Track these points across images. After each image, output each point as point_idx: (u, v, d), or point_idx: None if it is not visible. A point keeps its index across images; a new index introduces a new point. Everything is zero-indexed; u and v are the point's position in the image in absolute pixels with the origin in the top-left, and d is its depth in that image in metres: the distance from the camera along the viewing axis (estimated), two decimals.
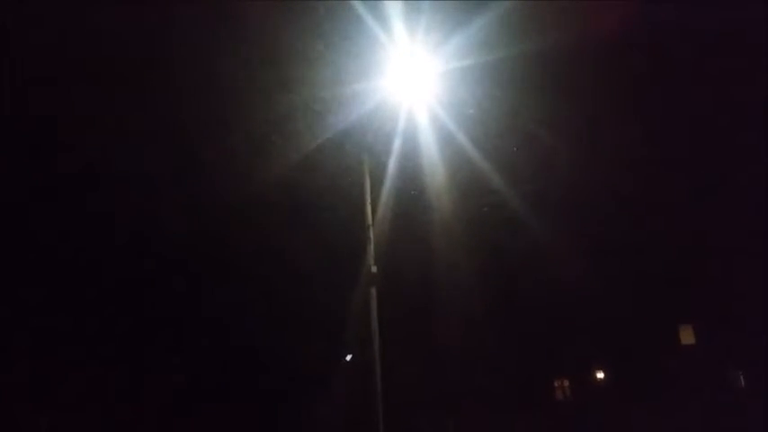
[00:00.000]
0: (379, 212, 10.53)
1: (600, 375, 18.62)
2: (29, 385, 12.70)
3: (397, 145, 10.78)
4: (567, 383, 19.17)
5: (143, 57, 11.01)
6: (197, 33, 10.58)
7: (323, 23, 10.03)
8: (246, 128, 12.31)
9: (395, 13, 8.94)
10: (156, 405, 13.97)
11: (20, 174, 12.38)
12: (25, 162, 12.29)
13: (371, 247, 9.96)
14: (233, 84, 11.62)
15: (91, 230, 13.56)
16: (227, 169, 13.27)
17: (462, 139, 11.09)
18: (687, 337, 16.97)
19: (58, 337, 13.37)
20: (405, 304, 13.33)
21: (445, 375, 15.57)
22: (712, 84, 11.06)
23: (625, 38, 9.45)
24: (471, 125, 10.86)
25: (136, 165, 13.16)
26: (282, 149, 12.12)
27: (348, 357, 16.18)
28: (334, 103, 10.79)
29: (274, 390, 15.54)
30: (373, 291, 9.72)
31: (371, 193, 10.31)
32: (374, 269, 9.81)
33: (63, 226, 13.32)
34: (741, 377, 15.54)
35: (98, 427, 13.02)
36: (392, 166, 11.07)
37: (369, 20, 9.27)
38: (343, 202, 12.26)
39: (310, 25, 10.20)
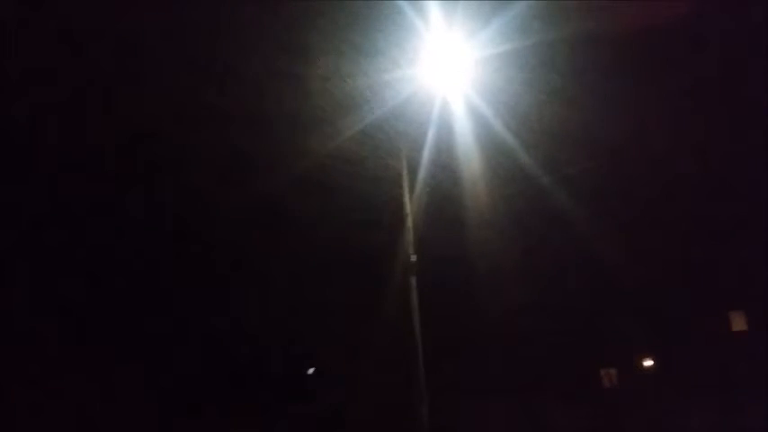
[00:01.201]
0: (415, 202, 10.74)
1: (647, 363, 18.60)
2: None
3: (432, 133, 10.96)
4: (613, 372, 19.15)
5: (181, 47, 11.38)
6: (233, 24, 10.91)
7: (358, 13, 10.27)
8: (281, 118, 12.64)
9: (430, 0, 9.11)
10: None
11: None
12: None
13: (410, 236, 10.23)
14: (268, 74, 11.95)
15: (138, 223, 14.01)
16: (262, 160, 13.61)
17: (498, 126, 11.22)
18: (739, 323, 16.83)
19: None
20: (443, 294, 13.52)
21: (487, 365, 15.75)
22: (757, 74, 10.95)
23: (666, 22, 9.45)
24: (507, 112, 10.99)
25: (176, 154, 13.58)
26: (318, 139, 12.40)
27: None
28: (370, 92, 11.03)
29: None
30: (413, 280, 10.00)
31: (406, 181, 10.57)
32: (413, 258, 10.07)
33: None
34: None
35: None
36: (428, 154, 11.26)
37: (404, 7, 9.48)
38: (379, 192, 12.52)
39: (345, 15, 10.46)
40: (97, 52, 11.09)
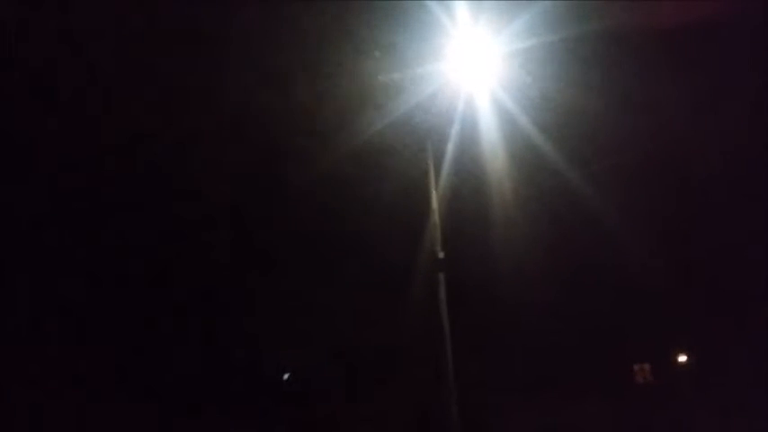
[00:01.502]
0: (441, 197, 10.75)
1: (682, 359, 18.37)
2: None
3: (458, 128, 10.96)
4: (647, 367, 18.96)
5: (215, 41, 11.54)
6: (264, 21, 11.04)
7: (384, 9, 10.32)
8: (306, 114, 12.74)
9: None
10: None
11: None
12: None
13: (438, 233, 10.25)
14: (294, 70, 12.07)
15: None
16: (290, 156, 13.74)
17: (525, 121, 11.18)
18: None
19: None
20: (470, 290, 13.51)
21: (517, 362, 15.71)
22: None
23: (697, 17, 9.30)
24: (534, 107, 10.94)
25: (209, 152, 13.76)
26: (344, 135, 12.48)
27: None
28: (396, 87, 11.07)
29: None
30: (441, 276, 10.03)
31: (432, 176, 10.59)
32: (441, 255, 10.10)
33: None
34: None
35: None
36: (454, 149, 11.26)
37: (430, 3, 9.49)
38: (405, 186, 12.56)
39: (372, 11, 10.52)
40: (113, 49, 11.29)
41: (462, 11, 9.23)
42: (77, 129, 12.56)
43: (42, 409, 12.56)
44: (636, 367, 18.92)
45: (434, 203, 10.41)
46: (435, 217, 10.33)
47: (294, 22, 11.17)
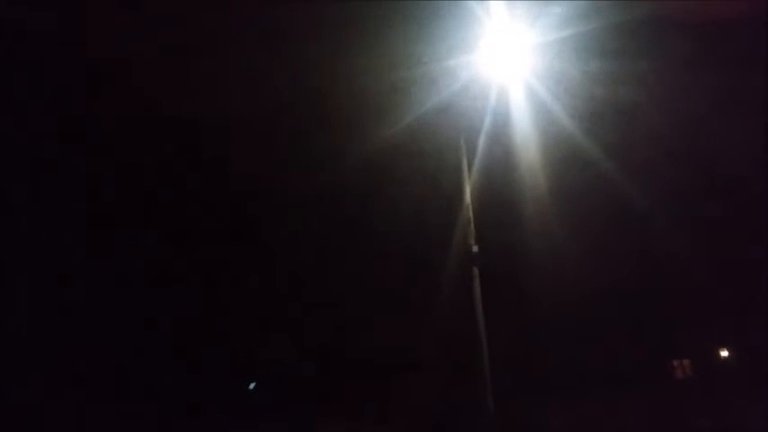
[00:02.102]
0: (474, 190, 10.74)
1: (724, 354, 18.12)
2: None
3: (492, 120, 10.94)
4: (687, 363, 18.73)
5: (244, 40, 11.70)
6: (295, 16, 11.15)
7: (417, 0, 10.36)
8: (341, 107, 12.84)
9: None
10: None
11: None
12: None
13: (471, 227, 10.26)
14: (324, 63, 12.17)
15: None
16: (324, 149, 13.87)
17: (558, 112, 11.11)
18: None
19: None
20: (504, 285, 13.49)
21: (554, 358, 15.63)
22: None
23: (732, 8, 9.15)
24: (567, 98, 10.87)
25: (239, 151, 13.95)
26: (378, 127, 12.55)
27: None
28: (430, 78, 11.09)
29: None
30: (476, 270, 10.03)
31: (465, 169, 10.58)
32: (475, 249, 10.10)
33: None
34: None
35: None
36: (487, 141, 11.23)
37: None
38: (438, 180, 12.58)
39: (405, 3, 10.55)
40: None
41: (496, 2, 9.23)
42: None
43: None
44: (676, 363, 18.72)
45: (468, 197, 10.41)
46: (469, 211, 10.33)
47: (328, 16, 11.28)
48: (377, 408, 15.20)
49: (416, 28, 10.91)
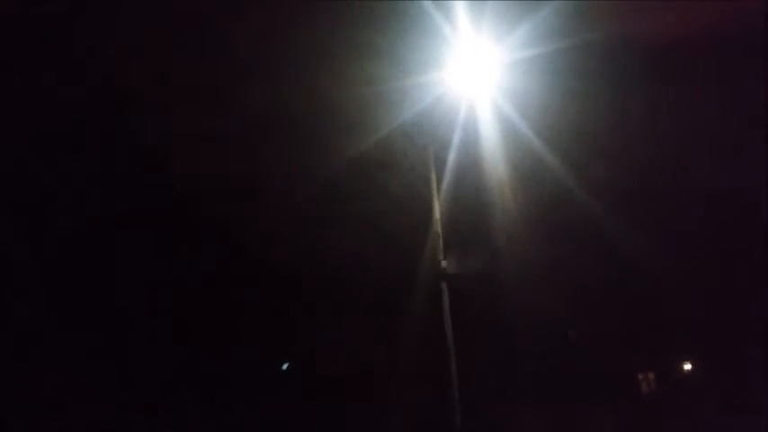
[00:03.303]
0: (443, 205, 10.85)
1: (687, 367, 18.45)
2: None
3: (460, 137, 11.10)
4: (651, 376, 19.03)
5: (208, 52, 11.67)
6: (263, 28, 11.16)
7: (385, 17, 10.47)
8: (306, 121, 12.86)
9: (457, 3, 9.28)
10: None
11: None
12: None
13: (440, 242, 10.36)
14: (295, 78, 12.20)
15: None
16: (288, 163, 13.85)
17: (526, 129, 11.32)
18: None
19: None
20: (471, 298, 13.60)
21: (521, 372, 15.76)
22: None
23: (695, 28, 9.50)
24: (534, 116, 11.10)
25: (198, 162, 13.84)
26: (345, 143, 12.60)
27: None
28: (398, 95, 11.21)
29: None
30: (444, 286, 10.13)
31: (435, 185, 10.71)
32: (444, 263, 10.21)
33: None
34: None
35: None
36: (455, 158, 11.38)
37: (431, 11, 9.66)
38: (407, 195, 12.67)
39: (372, 18, 10.66)
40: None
41: (464, 20, 9.39)
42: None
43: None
44: (640, 376, 18.99)
45: (437, 212, 10.52)
46: (438, 226, 10.44)
47: (294, 30, 11.32)
48: (343, 424, 15.14)
49: (385, 44, 11.02)
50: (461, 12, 9.33)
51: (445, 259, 10.26)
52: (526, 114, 11.02)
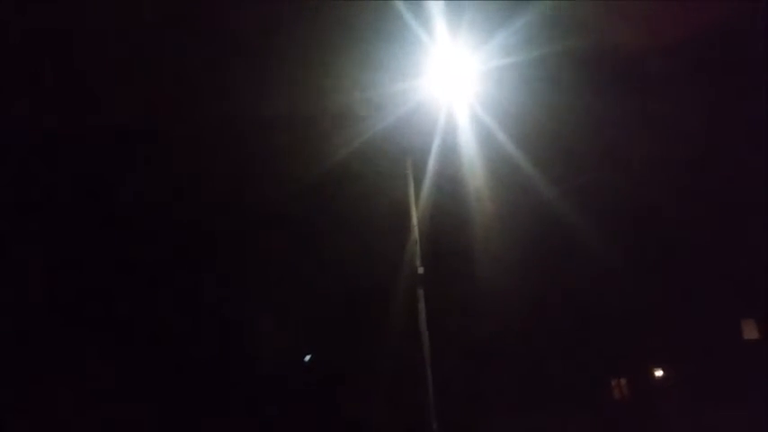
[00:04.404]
0: (420, 212, 10.86)
1: (659, 373, 18.63)
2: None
3: (437, 144, 11.14)
4: (624, 382, 19.17)
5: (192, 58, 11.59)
6: (239, 34, 11.13)
7: (363, 24, 10.48)
8: (286, 128, 12.82)
9: (435, 12, 9.33)
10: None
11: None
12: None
13: (418, 248, 10.36)
14: (275, 85, 12.16)
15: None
16: (266, 171, 13.78)
17: (503, 137, 11.41)
18: (750, 331, 16.86)
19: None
20: (448, 304, 13.62)
21: (495, 379, 15.80)
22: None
23: (670, 38, 9.68)
24: (512, 124, 11.18)
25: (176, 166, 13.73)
26: (324, 150, 12.57)
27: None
28: (376, 102, 11.22)
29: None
30: (421, 292, 10.12)
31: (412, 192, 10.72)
32: (421, 270, 10.20)
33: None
34: None
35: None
36: (433, 165, 11.42)
37: (409, 20, 9.69)
38: (384, 202, 12.67)
39: (350, 26, 10.67)
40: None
41: (442, 28, 9.45)
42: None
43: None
44: (613, 383, 19.13)
45: (414, 219, 10.52)
46: (415, 232, 10.44)
47: (272, 39, 11.29)
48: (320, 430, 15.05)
49: (364, 52, 11.04)
50: (439, 20, 9.39)
51: (422, 266, 10.24)
52: (503, 122, 11.10)
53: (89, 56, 11.24)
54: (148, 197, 14.04)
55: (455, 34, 9.45)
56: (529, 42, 9.70)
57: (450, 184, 12.76)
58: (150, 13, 10.53)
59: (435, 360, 9.88)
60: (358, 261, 14.41)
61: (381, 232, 12.99)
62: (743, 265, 15.38)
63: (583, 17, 9.54)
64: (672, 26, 9.56)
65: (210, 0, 10.88)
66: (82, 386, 13.24)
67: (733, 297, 16.15)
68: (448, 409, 10.24)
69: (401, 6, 9.65)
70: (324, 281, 14.99)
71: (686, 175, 13.48)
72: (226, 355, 15.25)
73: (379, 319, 14.28)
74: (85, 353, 13.56)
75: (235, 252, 14.92)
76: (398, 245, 11.29)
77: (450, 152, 11.59)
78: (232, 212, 14.34)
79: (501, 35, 9.51)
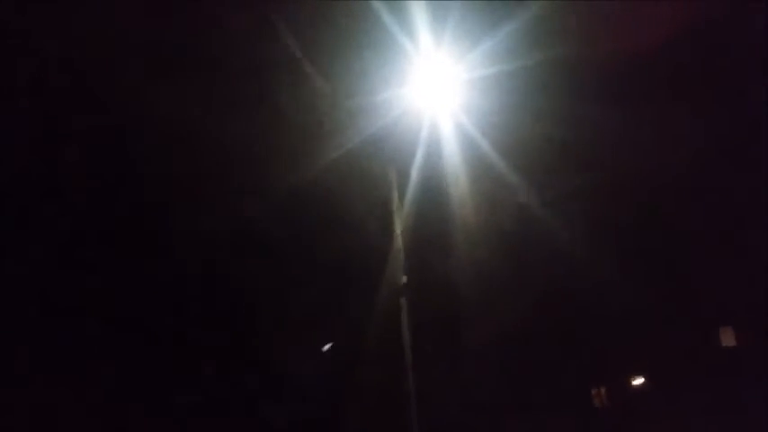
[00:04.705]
0: (403, 222, 10.87)
1: (638, 381, 18.75)
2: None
3: (421, 153, 11.15)
4: (604, 391, 19.27)
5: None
6: (222, 41, 11.06)
7: (347, 32, 10.47)
8: (268, 138, 12.75)
9: (419, 21, 9.37)
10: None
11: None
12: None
13: (401, 258, 10.35)
14: (255, 93, 12.10)
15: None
16: (250, 179, 13.69)
17: (487, 147, 11.45)
18: (728, 339, 17.04)
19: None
20: (432, 313, 13.62)
21: (477, 384, 15.80)
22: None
23: (654, 46, 9.79)
24: (496, 133, 11.23)
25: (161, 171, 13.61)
26: (306, 159, 12.52)
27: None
28: (359, 111, 11.20)
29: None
30: (404, 301, 10.11)
31: (396, 202, 10.73)
32: (404, 279, 10.19)
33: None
34: None
35: None
36: (417, 174, 11.43)
37: (393, 28, 9.71)
38: (368, 211, 12.64)
39: (334, 34, 10.66)
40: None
41: (425, 37, 9.47)
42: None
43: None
44: (593, 391, 19.22)
45: (398, 228, 10.51)
46: (399, 242, 10.43)
47: (255, 47, 11.24)
48: None
49: (347, 61, 11.02)
50: (422, 29, 9.41)
51: (406, 275, 10.23)
52: (487, 131, 11.13)
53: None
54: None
55: (439, 43, 9.50)
56: (513, 51, 9.76)
57: (434, 192, 12.77)
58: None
59: (418, 369, 9.86)
60: (340, 271, 14.36)
61: (364, 241, 12.95)
62: (721, 273, 15.56)
63: (567, 26, 9.62)
64: (657, 32, 9.67)
65: (191, 7, 10.81)
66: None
67: (711, 305, 16.33)
68: (429, 418, 10.21)
69: (385, 15, 9.66)
70: (305, 289, 14.91)
71: (670, 182, 13.64)
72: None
73: (360, 327, 14.23)
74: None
75: (213, 265, 14.81)
76: (381, 254, 11.26)
77: (434, 161, 11.60)
78: (206, 222, 14.23)
79: (485, 44, 9.56)
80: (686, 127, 12.21)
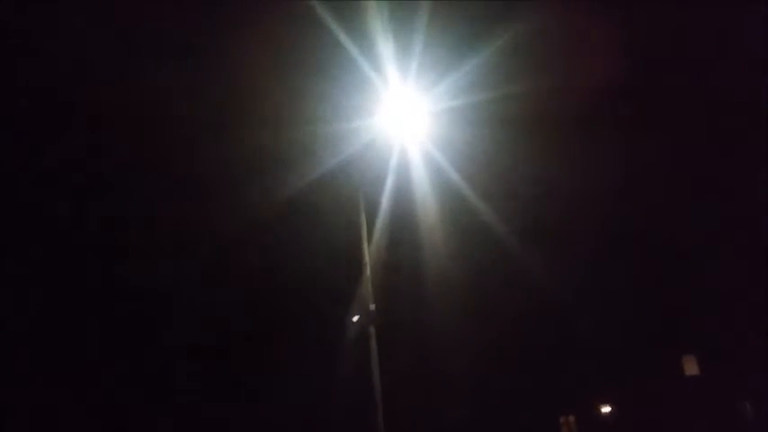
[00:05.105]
0: (372, 250, 10.88)
1: (605, 410, 18.90)
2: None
3: (389, 182, 11.25)
4: (572, 419, 19.35)
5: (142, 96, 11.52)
6: (189, 66, 11.14)
7: (317, 63, 10.63)
8: (239, 163, 12.79)
9: (388, 54, 9.57)
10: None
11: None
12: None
13: (369, 285, 10.33)
14: (226, 119, 12.16)
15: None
16: (219, 205, 13.67)
17: (454, 175, 11.63)
18: (691, 367, 17.31)
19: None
20: (400, 341, 13.63)
21: (446, 413, 15.77)
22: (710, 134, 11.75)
23: (617, 78, 10.10)
24: (462, 162, 11.43)
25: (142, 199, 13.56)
26: (276, 186, 12.56)
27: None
28: (328, 140, 11.30)
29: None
30: (373, 330, 10.07)
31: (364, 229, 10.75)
32: (372, 307, 10.16)
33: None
34: (749, 407, 15.86)
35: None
36: (385, 203, 11.50)
37: (362, 61, 9.90)
38: (337, 239, 12.68)
39: (305, 64, 10.80)
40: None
41: (393, 70, 9.68)
42: None
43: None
44: (562, 419, 19.29)
45: (366, 256, 10.52)
46: (367, 270, 10.43)
47: (227, 75, 11.33)
48: None
49: (317, 90, 11.16)
50: (391, 61, 9.62)
51: (374, 303, 10.22)
52: (453, 160, 11.32)
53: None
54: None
55: (407, 76, 9.71)
56: (477, 85, 10.00)
57: (402, 220, 12.87)
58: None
59: (385, 396, 9.82)
60: (309, 298, 14.33)
61: (333, 269, 12.96)
62: (684, 303, 15.85)
63: (531, 61, 9.91)
64: (620, 68, 9.98)
65: (163, 26, 10.90)
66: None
67: (674, 334, 16.60)
68: None
69: (354, 48, 9.87)
70: (274, 315, 14.84)
71: (634, 211, 13.95)
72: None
73: (329, 355, 14.16)
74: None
75: (180, 283, 14.70)
76: (350, 281, 11.26)
77: (402, 190, 11.72)
78: (180, 244, 14.16)
79: (451, 77, 9.79)
80: (652, 155, 12.56)
